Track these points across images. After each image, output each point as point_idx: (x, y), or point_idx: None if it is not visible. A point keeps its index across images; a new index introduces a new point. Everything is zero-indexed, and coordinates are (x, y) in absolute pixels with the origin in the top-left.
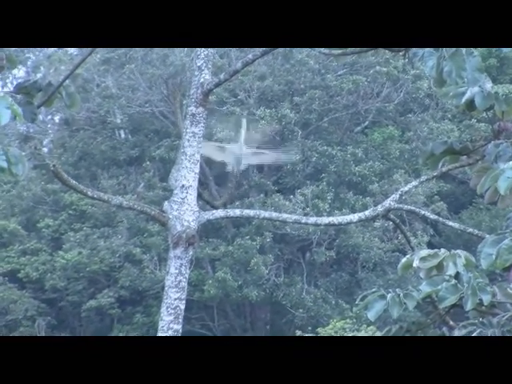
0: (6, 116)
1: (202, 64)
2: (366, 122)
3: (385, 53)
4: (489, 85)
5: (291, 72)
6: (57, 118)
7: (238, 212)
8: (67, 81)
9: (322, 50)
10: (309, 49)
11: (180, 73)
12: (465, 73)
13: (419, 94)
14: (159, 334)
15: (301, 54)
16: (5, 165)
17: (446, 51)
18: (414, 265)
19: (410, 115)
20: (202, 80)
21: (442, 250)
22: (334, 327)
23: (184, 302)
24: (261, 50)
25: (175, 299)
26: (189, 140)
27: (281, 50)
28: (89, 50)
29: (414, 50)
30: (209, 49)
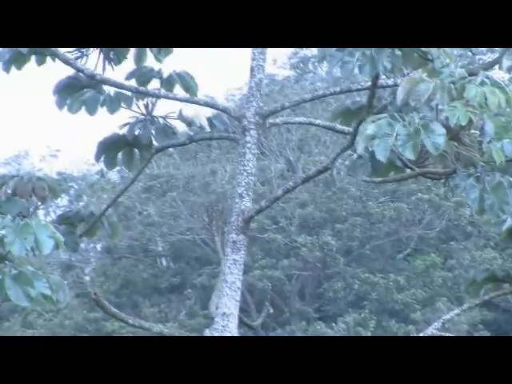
0: (49, 245)
1: (242, 191)
2: (408, 250)
3: (426, 180)
4: None
5: (333, 199)
6: (99, 246)
7: None
8: (109, 210)
9: (364, 177)
10: (350, 177)
11: (221, 200)
12: (507, 206)
13: (461, 221)
14: None
15: (342, 181)
16: (48, 292)
17: (488, 183)
18: None
19: (452, 243)
20: (242, 207)
21: None
22: None
23: None
24: (301, 177)
25: None
26: (229, 267)
27: (322, 177)
28: (130, 178)
29: (455, 180)
30: (249, 176)
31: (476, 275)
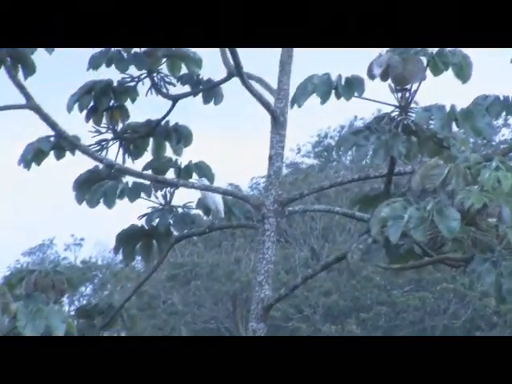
0: (61, 330)
1: (262, 279)
2: None
3: (451, 270)
4: None
5: (357, 288)
6: (122, 334)
7: None
8: (130, 301)
9: (379, 262)
10: (374, 265)
11: (245, 288)
12: None
13: (486, 311)
14: None
15: (366, 270)
16: None
17: (505, 268)
18: None
19: (477, 332)
20: (262, 295)
21: None
22: None
23: None
24: (320, 265)
25: None
26: None
27: (345, 265)
28: (153, 266)
29: (472, 265)
30: (269, 264)
31: None
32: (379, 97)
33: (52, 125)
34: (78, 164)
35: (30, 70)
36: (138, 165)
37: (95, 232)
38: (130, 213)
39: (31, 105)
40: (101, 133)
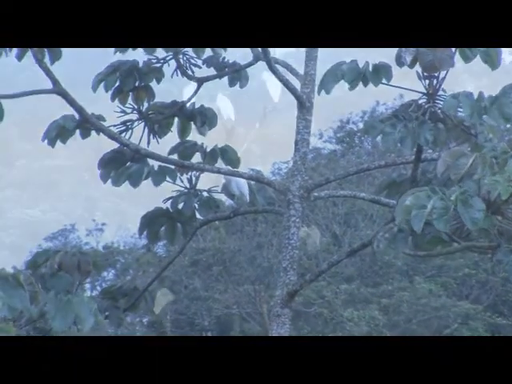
0: (89, 322)
1: (287, 265)
2: (456, 325)
3: (473, 256)
4: None
5: (379, 273)
6: (145, 320)
7: None
8: (153, 284)
9: (406, 250)
10: (395, 251)
11: (267, 274)
12: None
13: (509, 296)
14: None
15: (388, 255)
16: None
17: None
18: None
19: (499, 318)
20: (287, 281)
21: None
22: None
23: None
24: (345, 252)
25: None
26: None
27: (368, 251)
28: (176, 251)
29: (498, 255)
30: (294, 250)
31: None
32: (397, 84)
33: (79, 109)
34: (103, 144)
35: (56, 54)
36: (162, 145)
37: (117, 217)
38: (154, 199)
39: (58, 89)
40: (126, 113)
